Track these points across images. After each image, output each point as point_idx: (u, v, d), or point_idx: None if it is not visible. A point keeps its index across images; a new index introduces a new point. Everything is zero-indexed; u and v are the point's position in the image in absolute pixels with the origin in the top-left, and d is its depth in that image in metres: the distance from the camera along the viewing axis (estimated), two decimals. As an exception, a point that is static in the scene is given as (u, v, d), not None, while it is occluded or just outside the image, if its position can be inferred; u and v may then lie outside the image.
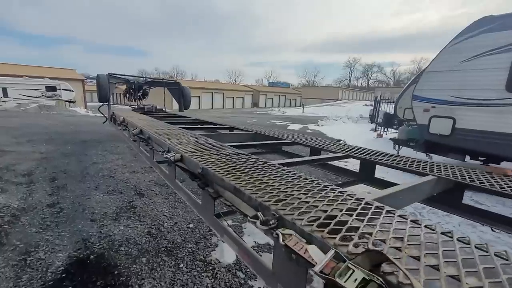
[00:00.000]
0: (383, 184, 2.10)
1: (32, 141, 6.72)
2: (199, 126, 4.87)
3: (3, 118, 10.41)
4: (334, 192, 1.15)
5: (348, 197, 1.09)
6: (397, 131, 10.85)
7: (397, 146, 7.23)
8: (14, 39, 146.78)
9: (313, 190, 1.17)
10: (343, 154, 2.22)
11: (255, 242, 2.77)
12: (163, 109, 8.00)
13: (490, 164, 5.19)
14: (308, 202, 1.01)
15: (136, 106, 7.66)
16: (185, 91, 8.42)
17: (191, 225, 3.00)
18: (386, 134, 11.91)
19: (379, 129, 11.82)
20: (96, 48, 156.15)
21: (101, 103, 7.25)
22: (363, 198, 1.08)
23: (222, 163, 1.58)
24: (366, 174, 2.27)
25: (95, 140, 7.45)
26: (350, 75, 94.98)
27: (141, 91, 8.64)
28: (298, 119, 22.69)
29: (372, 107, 27.87)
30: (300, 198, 1.06)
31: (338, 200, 1.06)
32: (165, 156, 1.97)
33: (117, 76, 7.64)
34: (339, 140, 4.23)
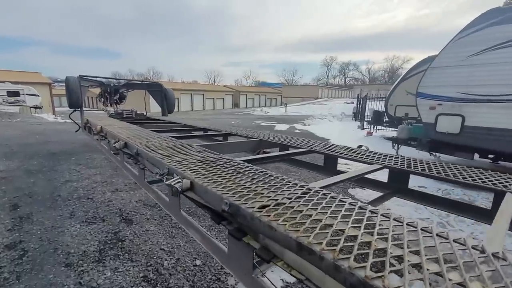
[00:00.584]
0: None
1: (-12, 157, 5.69)
2: (192, 133, 4.27)
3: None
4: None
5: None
6: (396, 129, 10.84)
7: (396, 145, 7.02)
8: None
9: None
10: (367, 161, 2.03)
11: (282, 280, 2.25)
12: (144, 113, 7.24)
13: (499, 162, 5.06)
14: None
15: (114, 112, 6.84)
16: (168, 94, 7.69)
17: (198, 262, 2.41)
18: (376, 131, 11.86)
19: (368, 127, 11.73)
20: (64, 50, 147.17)
21: (72, 109, 6.38)
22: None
23: (255, 193, 1.08)
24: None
25: (66, 152, 6.53)
26: (327, 73, 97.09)
27: (118, 94, 7.80)
28: (282, 118, 22.41)
29: (354, 105, 28.41)
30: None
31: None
32: (167, 183, 1.36)
33: (90, 78, 6.76)
34: (360, 146, 3.81)
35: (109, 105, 7.64)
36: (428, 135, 5.29)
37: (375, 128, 11.67)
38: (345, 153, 2.19)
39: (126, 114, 6.86)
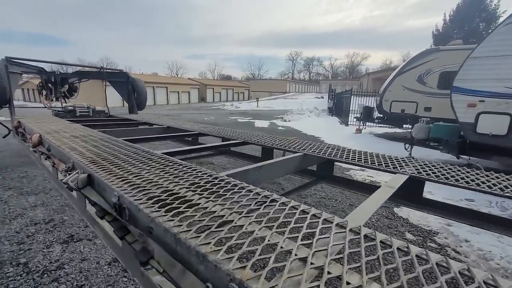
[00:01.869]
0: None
1: None
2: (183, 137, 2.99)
3: None
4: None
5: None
6: (389, 126, 10.38)
7: (409, 146, 6.34)
8: None
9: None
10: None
11: None
12: (106, 111, 5.51)
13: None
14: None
15: (61, 109, 5.03)
16: (138, 85, 6.03)
17: None
18: (365, 128, 11.37)
19: (358, 124, 11.19)
20: (1, 35, 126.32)
21: (-3, 106, 4.46)
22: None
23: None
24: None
25: (-11, 167, 4.56)
26: (293, 68, 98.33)
27: (67, 85, 5.90)
28: (257, 114, 21.29)
29: (327, 100, 28.44)
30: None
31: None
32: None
33: (23, 63, 4.85)
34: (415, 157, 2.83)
35: (54, 99, 5.72)
36: (466, 136, 4.59)
37: (364, 124, 11.16)
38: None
39: (80, 111, 5.10)
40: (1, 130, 4.86)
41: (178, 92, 45.61)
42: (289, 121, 15.66)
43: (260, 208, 0.88)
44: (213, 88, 53.57)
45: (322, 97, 35.68)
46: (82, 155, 1.64)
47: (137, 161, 1.52)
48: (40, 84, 5.76)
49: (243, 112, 22.97)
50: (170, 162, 1.47)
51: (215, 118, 17.27)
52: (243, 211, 0.85)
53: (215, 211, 0.84)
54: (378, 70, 51.64)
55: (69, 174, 1.64)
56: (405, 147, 6.39)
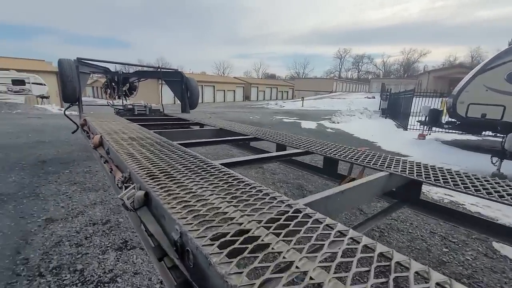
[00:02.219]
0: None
1: (-47, 167, 4.17)
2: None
3: None
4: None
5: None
6: (461, 132, 8.96)
7: (497, 160, 5.20)
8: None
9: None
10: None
11: None
12: (161, 110, 5.62)
13: None
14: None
15: (122, 107, 5.23)
16: (192, 85, 6.03)
17: None
18: (429, 134, 9.98)
19: (422, 128, 9.86)
20: (75, 39, 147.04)
21: (68, 104, 4.81)
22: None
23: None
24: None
25: (60, 160, 4.97)
26: (340, 66, 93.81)
27: (128, 84, 6.18)
28: (303, 114, 20.56)
29: (378, 100, 26.22)
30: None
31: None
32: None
33: (91, 63, 5.14)
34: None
35: (116, 97, 6.04)
36: None
37: (429, 130, 9.79)
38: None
39: (138, 110, 5.25)
40: (72, 125, 5.26)
41: (224, 90, 47.02)
42: (338, 122, 14.69)
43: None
44: (257, 87, 53.93)
45: (373, 97, 33.10)
46: (139, 164, 1.45)
47: (196, 175, 1.29)
48: (105, 83, 6.14)
49: (287, 112, 22.45)
50: (233, 179, 1.24)
51: (260, 117, 17.12)
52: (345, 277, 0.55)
53: (306, 271, 0.58)
54: (441, 67, 46.10)
55: (125, 187, 1.47)
56: (491, 161, 5.25)
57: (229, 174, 1.33)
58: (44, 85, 21.34)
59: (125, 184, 1.50)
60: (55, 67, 27.41)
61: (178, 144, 2.12)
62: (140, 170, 1.38)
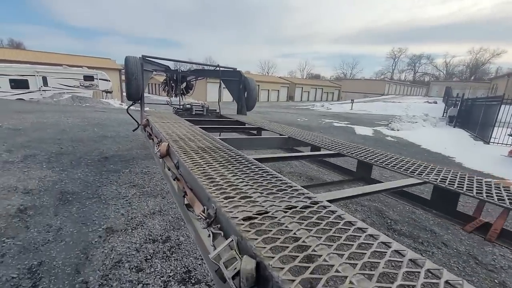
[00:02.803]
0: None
1: (29, 158, 4.39)
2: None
3: (18, 113, 8.56)
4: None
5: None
6: None
7: None
8: (61, 31, 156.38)
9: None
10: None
11: None
12: (217, 110, 5.34)
13: None
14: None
15: (181, 107, 5.07)
16: (250, 85, 5.66)
17: None
18: (525, 151, 8.14)
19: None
20: (134, 40, 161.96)
21: (131, 102, 4.78)
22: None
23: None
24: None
25: (121, 157, 4.99)
26: (393, 67, 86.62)
27: (185, 83, 6.05)
28: (354, 118, 19.07)
29: (446, 106, 23.16)
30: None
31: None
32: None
33: (154, 61, 5.05)
34: None
35: (173, 95, 5.95)
36: None
37: (524, 146, 7.99)
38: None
39: (196, 110, 5.04)
40: (137, 116, 5.27)
41: (268, 90, 46.81)
42: (398, 130, 13.13)
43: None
44: (302, 87, 52.59)
45: (435, 102, 29.50)
46: (226, 195, 1.02)
47: (312, 225, 0.83)
48: (164, 81, 6.10)
49: (336, 115, 21.12)
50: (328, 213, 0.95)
51: (307, 120, 16.29)
52: None
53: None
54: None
55: (213, 234, 1.04)
56: None
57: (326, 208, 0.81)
58: (109, 81, 23.42)
59: (211, 229, 1.06)
60: (118, 64, 30.09)
61: (254, 159, 1.66)
62: (232, 208, 0.92)
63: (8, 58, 21.87)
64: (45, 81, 19.46)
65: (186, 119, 3.90)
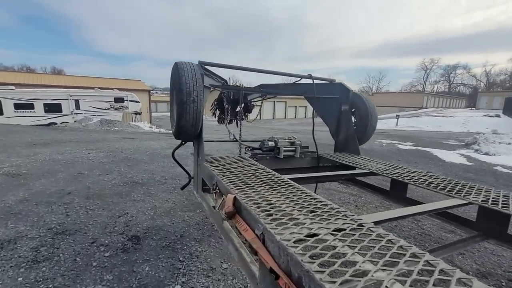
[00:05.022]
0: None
1: (2, 252, 2.46)
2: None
3: (31, 147, 7.03)
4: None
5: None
6: None
7: None
8: (98, 58, 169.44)
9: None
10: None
11: None
12: (313, 150, 3.16)
13: None
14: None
15: (258, 147, 2.96)
16: (364, 105, 3.47)
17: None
18: None
19: None
20: (163, 63, 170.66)
21: (180, 142, 2.74)
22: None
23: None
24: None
25: (159, 234, 2.90)
26: (425, 78, 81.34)
27: (243, 104, 3.91)
28: (411, 136, 16.08)
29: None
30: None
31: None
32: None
33: (213, 72, 3.04)
34: None
35: (228, 119, 3.81)
36: None
37: None
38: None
39: (285, 150, 2.91)
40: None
41: (295, 106, 45.05)
42: (494, 154, 10.16)
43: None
44: (332, 103, 50.00)
45: (498, 116, 25.49)
46: None
47: None
48: (215, 102, 4.14)
49: (384, 133, 18.14)
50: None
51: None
52: None
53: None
54: None
55: None
56: None
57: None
58: (138, 102, 22.76)
59: None
60: (147, 85, 29.77)
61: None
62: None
63: (47, 83, 22.08)
64: (77, 104, 19.18)
65: (273, 170, 1.82)
